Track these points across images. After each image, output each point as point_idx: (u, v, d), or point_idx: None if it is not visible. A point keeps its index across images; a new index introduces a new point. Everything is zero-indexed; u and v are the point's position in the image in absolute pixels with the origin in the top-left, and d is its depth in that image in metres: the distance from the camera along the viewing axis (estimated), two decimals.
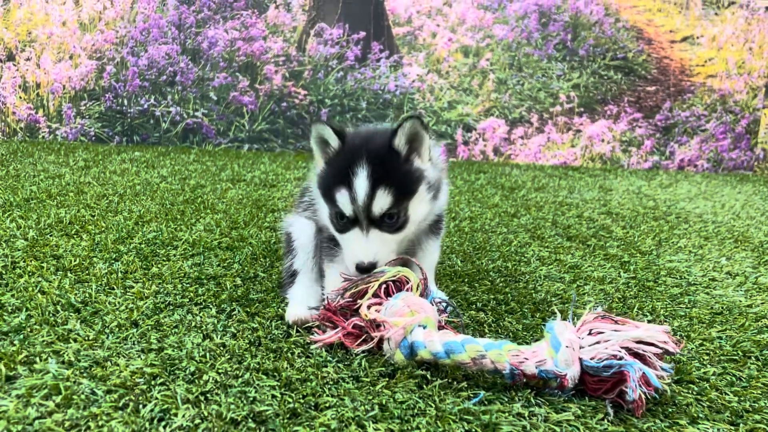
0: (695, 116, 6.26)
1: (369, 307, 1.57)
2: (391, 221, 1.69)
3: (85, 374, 1.36)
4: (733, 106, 6.26)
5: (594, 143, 6.22)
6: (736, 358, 1.68)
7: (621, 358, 1.35)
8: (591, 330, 1.44)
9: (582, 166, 6.16)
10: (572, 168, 5.93)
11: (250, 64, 5.87)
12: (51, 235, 2.42)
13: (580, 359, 1.39)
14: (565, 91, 6.19)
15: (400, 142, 1.71)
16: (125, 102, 5.76)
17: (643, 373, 1.33)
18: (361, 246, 1.67)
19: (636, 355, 1.38)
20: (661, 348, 1.39)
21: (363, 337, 1.56)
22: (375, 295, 1.61)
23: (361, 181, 1.64)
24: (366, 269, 1.64)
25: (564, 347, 1.39)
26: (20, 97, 5.64)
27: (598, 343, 1.40)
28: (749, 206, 4.20)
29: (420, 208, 1.75)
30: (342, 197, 1.66)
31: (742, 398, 1.44)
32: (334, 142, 1.73)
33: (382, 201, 1.65)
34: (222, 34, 5.82)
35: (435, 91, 6.08)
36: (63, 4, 5.66)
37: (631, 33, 6.21)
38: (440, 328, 1.60)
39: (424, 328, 1.51)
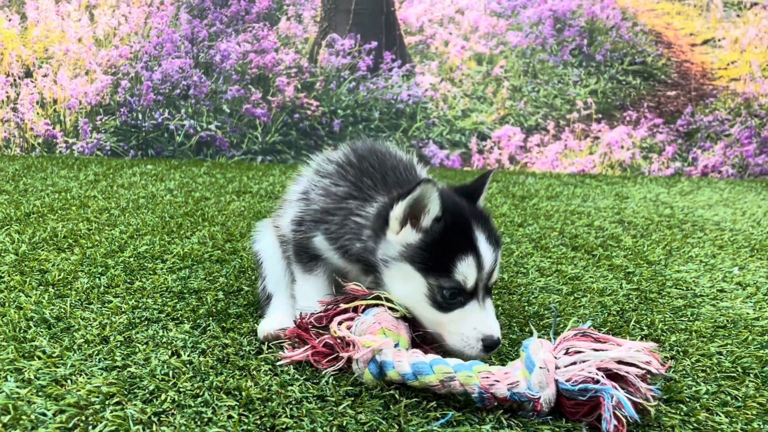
0: (718, 121, 6.08)
1: (340, 323, 1.51)
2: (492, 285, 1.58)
3: (40, 393, 1.32)
4: (758, 109, 6.06)
5: (613, 150, 6.08)
6: (735, 375, 1.57)
7: (597, 382, 1.26)
8: (568, 349, 1.35)
9: (600, 173, 6.02)
10: (590, 176, 5.79)
11: (262, 76, 5.88)
12: (42, 250, 2.41)
13: (556, 381, 1.31)
14: (582, 98, 6.06)
15: (483, 200, 1.67)
16: (140, 116, 5.81)
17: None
18: (488, 319, 1.49)
19: (617, 376, 1.29)
20: (643, 369, 1.29)
21: (333, 355, 1.50)
22: (348, 310, 1.55)
23: (487, 246, 1.51)
24: (494, 346, 1.46)
25: (538, 368, 1.31)
26: (38, 113, 5.74)
27: (574, 363, 1.31)
28: None
29: None
30: (467, 267, 1.47)
31: (734, 419, 1.34)
32: (435, 208, 1.49)
33: (499, 266, 1.56)
34: (234, 47, 5.84)
35: (448, 99, 6.02)
36: (79, 20, 5.75)
37: (650, 37, 6.06)
38: (416, 345, 1.53)
39: (396, 346, 1.45)
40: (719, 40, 6.02)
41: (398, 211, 1.52)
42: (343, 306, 1.55)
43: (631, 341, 1.37)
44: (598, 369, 1.29)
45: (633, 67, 6.09)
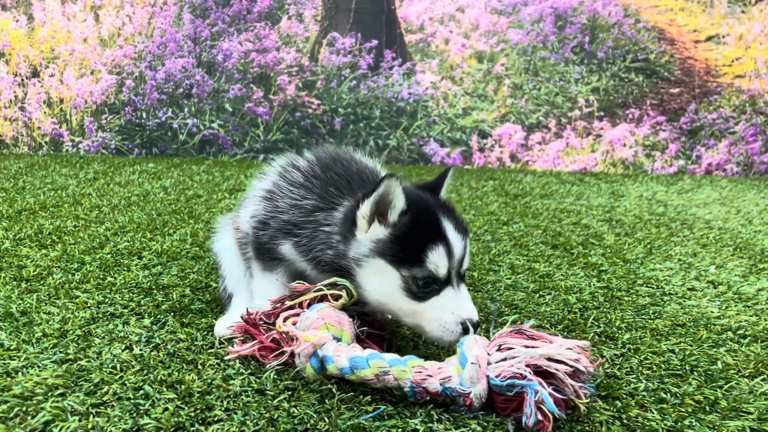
0: (723, 118, 6.01)
1: (285, 319, 1.54)
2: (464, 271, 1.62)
3: None
4: (763, 107, 5.98)
5: (615, 148, 6.04)
6: (680, 372, 1.58)
7: (525, 377, 1.28)
8: (500, 345, 1.37)
9: (602, 171, 5.98)
10: (591, 174, 5.77)
11: (264, 75, 5.94)
12: (24, 246, 2.48)
13: (487, 377, 1.33)
14: (584, 95, 6.03)
15: (444, 192, 1.73)
16: (144, 115, 5.90)
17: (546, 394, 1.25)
18: (464, 303, 1.53)
19: (546, 373, 1.31)
20: (571, 366, 1.31)
21: (279, 350, 1.53)
22: (293, 306, 1.58)
23: (455, 234, 1.55)
24: (475, 326, 1.49)
25: (470, 364, 1.33)
26: (45, 113, 5.86)
27: (505, 360, 1.33)
28: None
29: None
30: (438, 256, 1.51)
31: (665, 416, 1.35)
32: (401, 202, 1.53)
33: (469, 253, 1.60)
34: (236, 46, 5.91)
35: (449, 97, 6.02)
36: (84, 21, 5.86)
37: (653, 33, 6.01)
38: (360, 341, 1.56)
39: (339, 340, 1.48)
40: (723, 37, 5.95)
41: (365, 209, 1.55)
42: (288, 303, 1.59)
43: (563, 339, 1.38)
44: (528, 365, 1.31)
45: (635, 65, 6.04)
